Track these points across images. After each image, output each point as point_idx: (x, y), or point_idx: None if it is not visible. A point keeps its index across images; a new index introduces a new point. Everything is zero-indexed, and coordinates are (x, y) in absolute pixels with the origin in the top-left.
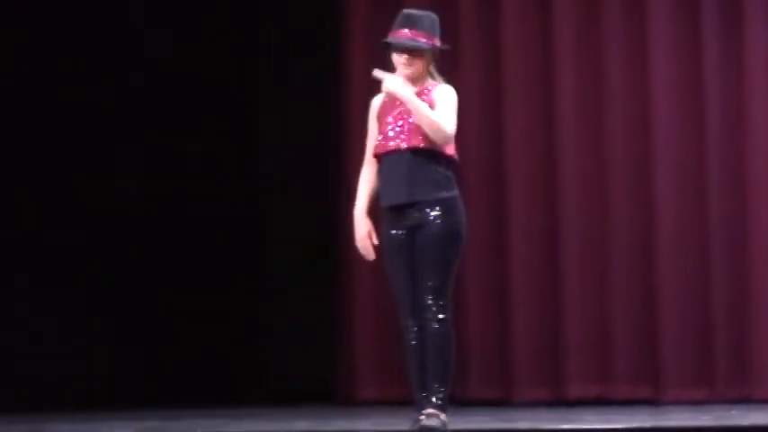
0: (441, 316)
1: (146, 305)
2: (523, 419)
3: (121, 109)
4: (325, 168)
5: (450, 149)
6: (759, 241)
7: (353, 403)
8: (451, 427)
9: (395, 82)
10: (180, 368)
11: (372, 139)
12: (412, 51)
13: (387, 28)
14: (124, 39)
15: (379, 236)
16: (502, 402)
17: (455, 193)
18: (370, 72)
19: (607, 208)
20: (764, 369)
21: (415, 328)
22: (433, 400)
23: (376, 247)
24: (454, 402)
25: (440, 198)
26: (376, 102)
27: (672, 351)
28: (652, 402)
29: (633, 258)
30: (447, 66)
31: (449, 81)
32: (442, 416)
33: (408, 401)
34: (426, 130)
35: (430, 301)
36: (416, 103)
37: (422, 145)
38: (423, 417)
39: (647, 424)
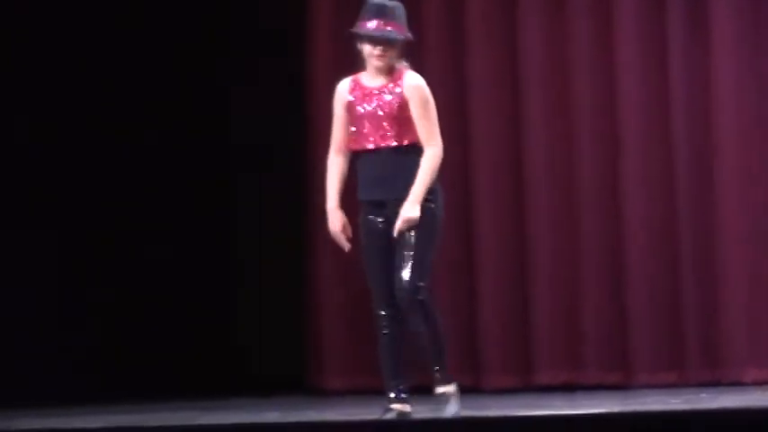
0: (421, 297)
1: (117, 298)
2: (493, 407)
3: (93, 110)
4: (294, 163)
5: None
6: (727, 227)
7: (323, 393)
8: (421, 416)
9: (410, 211)
10: (150, 361)
11: (339, 128)
12: (386, 43)
13: (352, 21)
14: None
15: (355, 225)
16: (471, 390)
17: (436, 185)
18: (336, 67)
19: (575, 197)
20: (733, 352)
21: (389, 317)
22: (439, 376)
23: (351, 239)
24: (424, 391)
25: None
26: (342, 88)
27: (641, 336)
28: (622, 387)
29: (601, 244)
30: (413, 64)
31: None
32: (454, 389)
33: (378, 391)
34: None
35: (408, 284)
36: (425, 186)
37: (402, 142)
38: (441, 392)
39: (618, 409)
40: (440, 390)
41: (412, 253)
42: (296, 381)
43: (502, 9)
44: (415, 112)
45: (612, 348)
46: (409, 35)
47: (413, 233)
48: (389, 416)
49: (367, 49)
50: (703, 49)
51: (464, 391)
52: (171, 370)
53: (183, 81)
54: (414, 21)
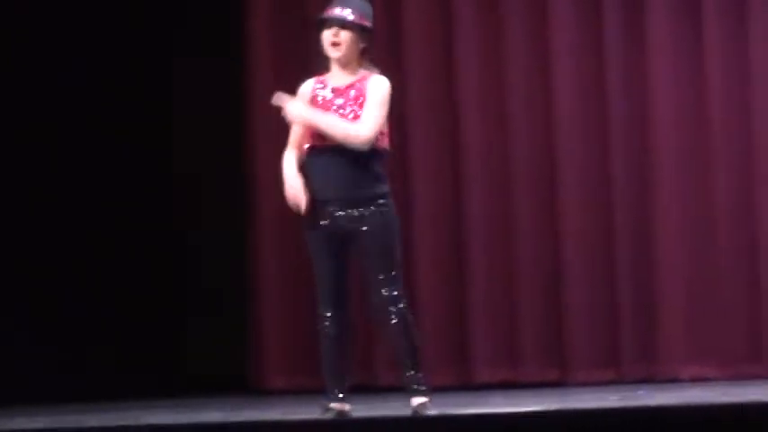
0: (400, 305)
1: (59, 299)
2: (431, 405)
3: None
4: (235, 166)
5: (384, 142)
6: (664, 224)
7: (265, 393)
8: (360, 414)
9: (296, 107)
10: (92, 361)
11: (299, 127)
12: (340, 25)
13: (290, 28)
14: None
15: (305, 226)
16: None
17: (388, 187)
18: (275, 72)
19: (512, 190)
20: (669, 349)
21: (333, 318)
22: (415, 387)
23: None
24: (362, 390)
25: (376, 193)
26: (305, 89)
27: (578, 333)
28: (560, 384)
29: (538, 241)
30: None
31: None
32: (428, 400)
33: (320, 390)
34: (341, 142)
35: (385, 293)
36: (322, 121)
37: None
38: (415, 404)
39: (556, 406)
40: (416, 401)
41: (383, 261)
42: (237, 380)
43: (438, 3)
44: (367, 99)
45: (550, 346)
46: (366, 23)
47: (380, 241)
48: (329, 415)
49: (324, 37)
50: (639, 46)
51: (402, 389)
52: (111, 370)
53: (122, 81)
54: None
